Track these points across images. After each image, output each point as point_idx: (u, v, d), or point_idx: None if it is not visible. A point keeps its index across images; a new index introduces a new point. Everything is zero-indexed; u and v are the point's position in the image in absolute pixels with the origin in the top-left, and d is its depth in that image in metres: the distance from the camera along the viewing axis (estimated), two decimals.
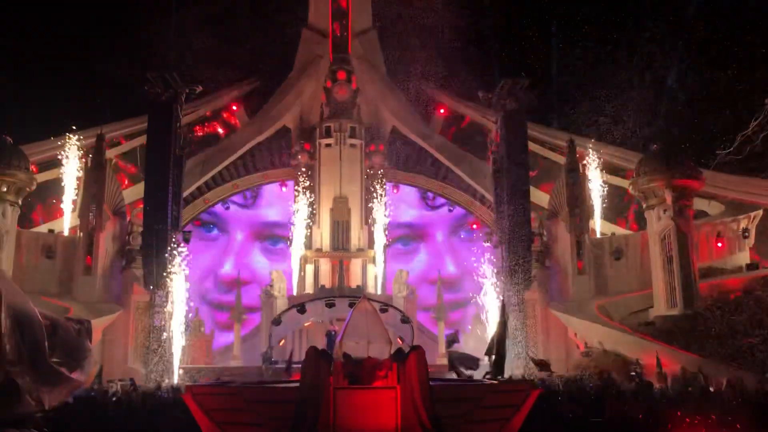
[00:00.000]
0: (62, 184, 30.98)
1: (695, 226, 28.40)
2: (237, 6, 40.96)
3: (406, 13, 38.64)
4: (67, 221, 30.91)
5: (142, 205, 30.22)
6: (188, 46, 35.85)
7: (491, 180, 32.11)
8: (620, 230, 33.66)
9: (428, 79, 38.54)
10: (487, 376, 18.41)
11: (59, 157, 31.07)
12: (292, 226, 34.43)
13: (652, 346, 23.89)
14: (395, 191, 37.84)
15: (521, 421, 14.03)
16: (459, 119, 39.25)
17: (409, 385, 13.14)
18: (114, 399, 17.88)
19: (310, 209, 34.67)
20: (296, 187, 35.57)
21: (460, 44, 37.79)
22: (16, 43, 37.45)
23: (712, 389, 18.69)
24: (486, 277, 28.93)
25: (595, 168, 32.67)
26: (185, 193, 32.15)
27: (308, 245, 34.30)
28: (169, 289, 27.44)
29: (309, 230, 34.50)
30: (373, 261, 34.06)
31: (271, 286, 33.10)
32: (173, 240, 28.33)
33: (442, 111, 39.42)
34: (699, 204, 30.74)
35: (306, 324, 30.55)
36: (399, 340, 25.42)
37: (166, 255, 27.85)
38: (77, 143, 31.02)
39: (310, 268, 33.96)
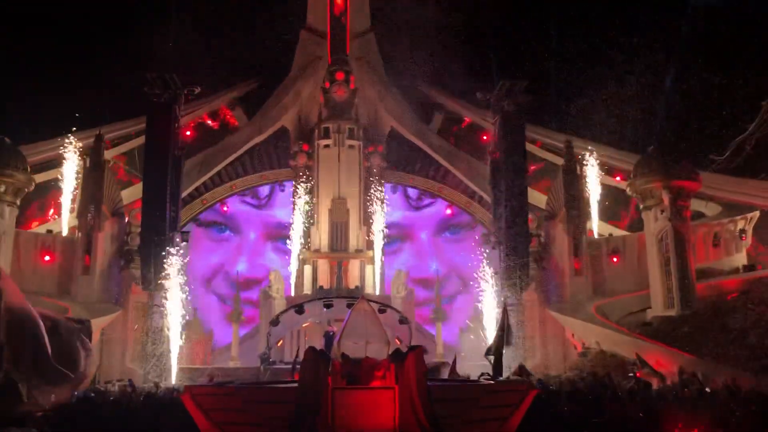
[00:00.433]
0: (60, 185, 31.02)
1: (692, 227, 28.48)
2: (236, 7, 40.98)
3: (404, 14, 38.69)
4: (65, 221, 30.95)
5: (140, 206, 30.24)
6: (187, 47, 35.84)
7: (489, 181, 32.19)
8: (618, 231, 33.79)
9: (426, 80, 38.62)
10: (485, 377, 18.48)
11: (59, 157, 31.09)
12: (290, 220, 34.55)
13: (650, 347, 23.97)
14: (394, 192, 37.93)
15: (519, 421, 14.11)
16: (458, 120, 39.31)
17: (407, 386, 13.21)
18: (112, 399, 17.90)
19: (309, 210, 34.73)
20: (295, 188, 35.62)
21: (458, 45, 37.88)
22: (15, 44, 37.46)
23: (708, 390, 18.75)
24: (484, 279, 28.98)
25: (593, 167, 32.70)
26: (184, 194, 32.20)
27: (306, 246, 34.36)
28: (167, 289, 27.45)
29: (307, 231, 34.55)
30: (372, 262, 34.11)
31: (269, 286, 33.16)
32: (171, 240, 28.36)
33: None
34: (696, 205, 30.84)
35: (304, 325, 30.57)
36: (397, 341, 25.50)
37: (164, 255, 27.87)
38: (72, 143, 31.00)
39: (308, 269, 34.01)
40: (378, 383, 13.43)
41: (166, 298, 27.22)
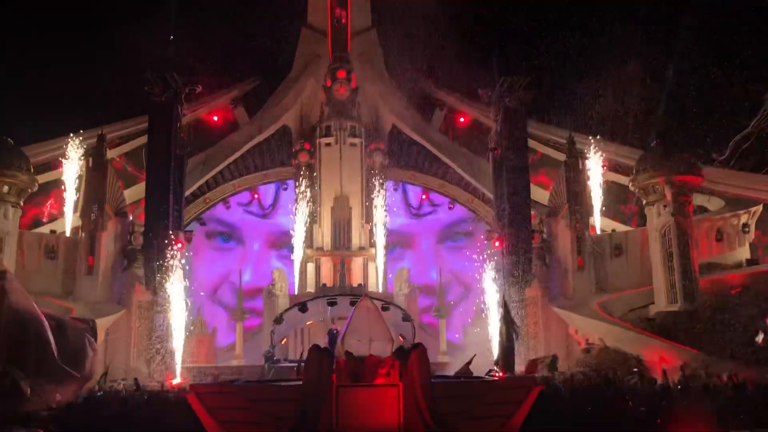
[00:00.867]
0: (62, 186, 31.09)
1: (695, 222, 28.44)
2: (236, 6, 40.94)
3: (406, 11, 38.61)
4: (68, 222, 31.00)
5: (143, 205, 30.30)
6: (188, 46, 35.86)
7: (491, 178, 32.18)
8: (620, 226, 33.74)
9: (428, 77, 38.57)
10: (492, 372, 18.49)
11: (62, 157, 31.14)
12: (293, 226, 34.50)
13: (653, 342, 23.96)
14: (396, 190, 37.90)
15: (523, 418, 14.14)
16: (460, 117, 39.24)
17: (411, 383, 13.24)
18: (117, 398, 17.96)
19: (311, 208, 34.74)
20: (296, 187, 35.62)
21: (460, 42, 37.81)
22: (16, 44, 37.52)
23: (712, 385, 18.75)
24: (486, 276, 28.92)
25: (596, 164, 32.64)
26: (186, 193, 32.22)
27: (309, 244, 34.39)
28: (171, 288, 27.49)
29: (310, 229, 34.58)
30: (374, 259, 34.15)
31: (273, 285, 33.21)
32: (175, 239, 28.43)
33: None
34: (699, 200, 30.78)
35: (308, 323, 30.64)
36: (400, 338, 25.54)
37: (168, 254, 27.92)
38: (74, 143, 31.06)
39: (311, 267, 34.08)
40: (382, 381, 13.47)
41: (169, 298, 27.24)
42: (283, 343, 30.28)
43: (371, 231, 34.64)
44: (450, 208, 38.53)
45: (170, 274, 27.55)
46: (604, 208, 32.50)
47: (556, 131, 35.31)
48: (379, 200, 34.73)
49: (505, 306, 22.41)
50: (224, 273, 38.30)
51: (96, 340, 18.84)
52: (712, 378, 19.74)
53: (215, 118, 38.09)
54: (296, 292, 33.49)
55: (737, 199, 31.13)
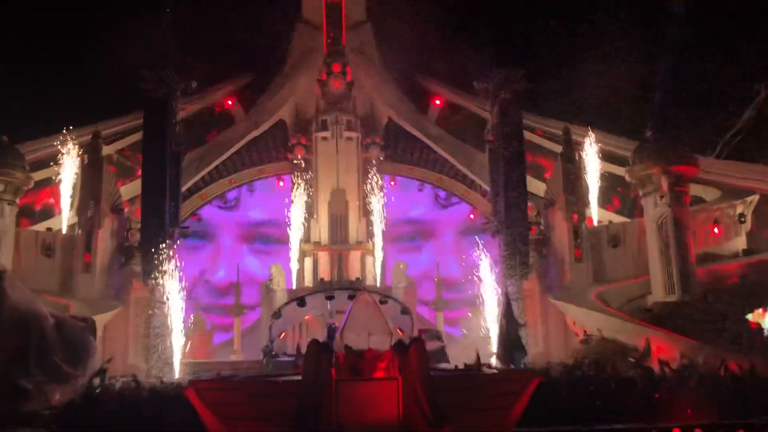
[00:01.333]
0: (57, 182, 31.00)
1: (692, 212, 28.48)
2: (229, 0, 40.75)
3: (400, 4, 38.53)
4: (65, 219, 30.94)
5: (140, 202, 30.21)
6: (182, 41, 35.75)
7: (488, 170, 32.16)
8: (617, 217, 33.79)
9: (423, 69, 38.47)
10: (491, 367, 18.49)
11: (56, 154, 31.04)
12: (288, 220, 34.39)
13: (651, 333, 24.02)
14: (392, 183, 37.83)
15: (522, 409, 14.20)
16: (456, 109, 39.20)
17: (411, 376, 13.27)
18: (117, 394, 17.95)
19: (308, 202, 34.70)
20: (293, 181, 35.54)
21: (455, 34, 37.77)
22: (10, 41, 37.29)
23: (709, 374, 18.83)
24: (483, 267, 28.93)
25: (593, 154, 32.66)
26: (183, 189, 32.14)
27: (306, 239, 34.35)
28: (168, 284, 27.47)
29: (307, 224, 34.53)
30: (372, 253, 34.14)
31: (271, 280, 33.16)
32: (172, 235, 28.38)
33: (437, 102, 39.36)
34: (695, 190, 30.83)
35: (306, 318, 30.64)
36: (399, 331, 25.55)
37: (165, 250, 27.87)
38: (69, 140, 30.96)
39: (308, 262, 34.02)
40: (381, 374, 13.50)
41: (167, 294, 27.22)
42: (281, 337, 30.27)
43: (368, 224, 34.55)
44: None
45: (167, 270, 27.51)
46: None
47: (551, 122, 35.32)
48: (375, 193, 34.61)
49: (506, 301, 22.40)
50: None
51: (95, 338, 18.83)
52: (709, 368, 19.81)
53: (211, 114, 37.97)
54: (294, 287, 33.46)
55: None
